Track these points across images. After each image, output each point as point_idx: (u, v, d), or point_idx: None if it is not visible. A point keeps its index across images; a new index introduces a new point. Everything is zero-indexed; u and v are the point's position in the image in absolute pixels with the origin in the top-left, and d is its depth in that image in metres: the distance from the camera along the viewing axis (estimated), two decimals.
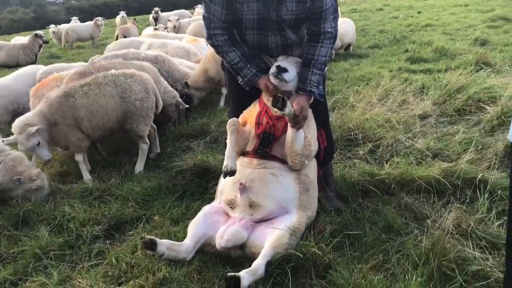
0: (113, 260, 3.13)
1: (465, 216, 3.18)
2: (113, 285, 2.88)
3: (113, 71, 4.74)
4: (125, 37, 14.78)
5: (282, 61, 3.15)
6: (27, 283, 2.99)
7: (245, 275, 2.58)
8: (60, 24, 20.26)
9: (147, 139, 4.84)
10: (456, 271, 2.62)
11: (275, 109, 2.95)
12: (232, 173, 3.06)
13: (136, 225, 3.64)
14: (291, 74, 3.10)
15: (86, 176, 4.62)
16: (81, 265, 3.16)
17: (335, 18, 3.11)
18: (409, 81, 6.96)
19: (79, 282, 2.90)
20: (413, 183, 3.65)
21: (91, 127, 4.52)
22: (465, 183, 3.57)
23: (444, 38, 11.57)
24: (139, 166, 4.77)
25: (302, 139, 3.14)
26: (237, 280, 2.51)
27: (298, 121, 3.03)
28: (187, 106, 6.14)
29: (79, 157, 4.61)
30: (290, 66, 3.12)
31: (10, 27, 43.16)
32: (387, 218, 3.28)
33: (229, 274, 2.55)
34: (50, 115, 4.43)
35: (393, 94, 5.87)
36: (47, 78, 5.58)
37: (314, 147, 3.30)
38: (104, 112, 4.52)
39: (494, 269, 2.67)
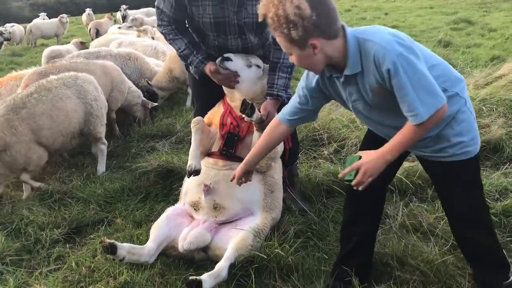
0: (73, 264, 3.05)
1: (425, 214, 3.25)
2: None
3: (54, 76, 4.46)
4: (97, 31, 14.46)
5: (234, 55, 3.13)
6: None
7: (207, 278, 2.55)
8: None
9: (104, 139, 4.70)
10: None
11: (243, 115, 2.96)
12: (196, 172, 3.03)
13: (98, 228, 3.55)
14: (234, 64, 3.08)
15: (26, 195, 4.19)
16: (39, 270, 3.07)
17: None
18: None
19: None
20: None
21: (52, 135, 4.13)
22: (426, 182, 3.64)
23: None
24: (101, 167, 4.64)
25: None
26: (199, 283, 2.48)
27: (264, 126, 3.02)
28: (156, 104, 6.06)
29: (26, 176, 4.14)
30: (237, 58, 3.11)
31: None
32: None
33: (190, 277, 2.51)
34: None
35: None
36: (5, 77, 5.40)
37: (280, 148, 3.30)
38: (65, 115, 4.22)
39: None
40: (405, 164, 3.83)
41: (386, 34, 2.10)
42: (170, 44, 3.32)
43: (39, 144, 4.06)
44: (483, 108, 4.85)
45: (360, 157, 2.17)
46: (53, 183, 4.37)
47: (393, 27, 12.40)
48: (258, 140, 3.05)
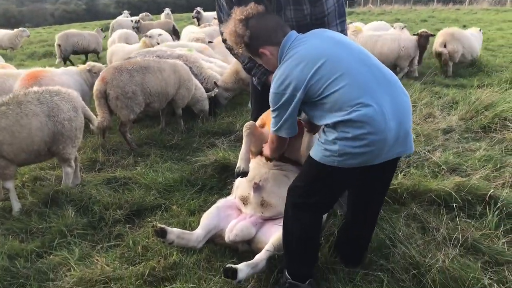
0: (131, 242, 3.36)
1: (471, 230, 3.24)
2: (127, 265, 3.11)
3: (35, 88, 4.24)
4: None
5: None
6: (51, 256, 3.26)
7: (244, 268, 2.73)
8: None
9: (73, 162, 4.35)
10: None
11: None
12: (244, 174, 3.19)
13: (156, 212, 3.86)
14: None
15: (16, 206, 4.04)
16: (101, 245, 3.41)
17: (342, 22, 3.09)
18: (439, 94, 6.94)
19: (97, 260, 3.14)
20: (424, 194, 3.72)
21: (13, 150, 3.89)
22: (477, 198, 3.61)
23: (485, 53, 11.33)
24: (65, 184, 4.34)
25: None
26: (234, 271, 2.67)
27: (313, 126, 3.16)
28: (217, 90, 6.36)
29: (8, 184, 4.02)
30: None
31: (63, 17, 44.86)
32: (393, 227, 3.37)
33: (227, 265, 2.71)
34: None
35: (420, 107, 5.88)
36: None
37: None
38: (27, 133, 3.91)
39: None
40: (456, 179, 3.82)
41: (293, 65, 2.44)
42: (235, 57, 3.47)
43: (1, 156, 3.90)
44: None
45: None
46: (120, 169, 4.77)
47: None
48: (307, 142, 3.20)
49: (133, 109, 5.30)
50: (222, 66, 7.42)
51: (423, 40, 9.03)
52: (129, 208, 3.88)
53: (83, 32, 13.18)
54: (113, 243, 3.44)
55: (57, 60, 12.44)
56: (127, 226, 3.67)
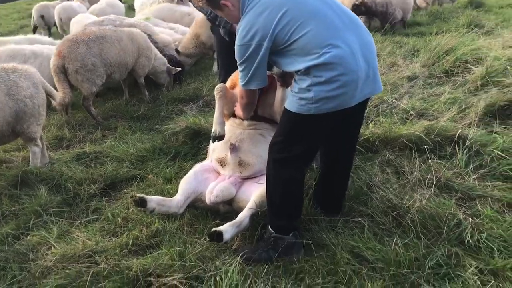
0: (109, 215, 3.31)
1: (443, 170, 3.35)
2: (109, 238, 3.07)
3: None
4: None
5: None
6: (28, 237, 3.17)
7: (228, 228, 2.75)
8: None
9: (39, 141, 4.18)
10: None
11: None
12: (220, 137, 3.17)
13: (131, 183, 3.81)
14: None
15: None
16: (79, 221, 3.34)
17: None
18: (401, 44, 7.02)
19: (78, 236, 3.09)
20: (396, 140, 3.80)
21: None
22: (446, 140, 3.72)
23: None
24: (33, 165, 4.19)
25: None
26: (219, 234, 2.68)
27: (286, 80, 3.13)
28: (179, 69, 6.22)
29: None
30: None
31: None
32: (369, 174, 3.44)
33: (212, 229, 2.72)
34: None
35: (383, 57, 5.94)
36: None
37: None
38: None
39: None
40: (425, 123, 3.91)
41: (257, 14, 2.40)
42: (198, 10, 3.39)
43: None
44: (508, 67, 4.81)
45: None
46: (88, 144, 4.64)
47: None
48: (280, 96, 3.19)
49: (95, 81, 5.12)
50: (184, 32, 7.24)
51: None
52: (103, 182, 3.81)
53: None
54: (92, 218, 3.38)
55: (43, 32, 11.90)
56: (103, 199, 3.61)
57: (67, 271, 2.71)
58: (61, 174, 3.91)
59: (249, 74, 2.50)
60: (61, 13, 11.08)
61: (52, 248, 2.99)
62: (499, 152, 3.47)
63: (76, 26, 8.28)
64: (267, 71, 3.02)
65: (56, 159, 4.36)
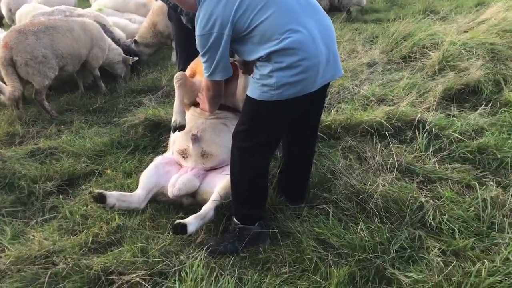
0: (67, 213, 3.17)
1: (404, 154, 3.39)
2: (67, 236, 2.94)
3: None
4: None
5: None
6: None
7: (193, 221, 2.69)
8: None
9: None
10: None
11: None
12: (181, 127, 3.09)
13: (89, 179, 3.66)
14: None
15: None
16: (35, 220, 3.18)
17: None
18: (359, 30, 7.08)
19: (33, 236, 2.94)
20: (357, 126, 3.82)
21: None
22: (406, 124, 3.77)
23: None
24: None
25: None
26: (183, 226, 2.62)
27: (248, 67, 3.07)
28: (136, 58, 6.04)
29: None
30: None
31: None
32: (333, 160, 3.44)
33: (176, 222, 2.65)
34: None
35: (343, 44, 5.97)
36: None
37: None
38: None
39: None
40: (386, 109, 3.95)
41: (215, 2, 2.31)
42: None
43: None
44: (463, 51, 4.93)
45: None
46: (43, 140, 4.44)
47: None
48: (242, 84, 3.13)
49: (47, 74, 4.88)
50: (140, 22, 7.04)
51: None
52: (60, 179, 3.64)
53: None
54: (48, 216, 3.22)
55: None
56: (60, 197, 3.44)
57: (23, 273, 2.58)
58: (13, 172, 3.72)
59: (213, 64, 2.43)
60: (10, 3, 10.55)
61: (6, 250, 2.83)
62: (457, 135, 3.55)
63: (23, 17, 7.89)
64: (230, 59, 2.97)
65: (8, 157, 4.13)
